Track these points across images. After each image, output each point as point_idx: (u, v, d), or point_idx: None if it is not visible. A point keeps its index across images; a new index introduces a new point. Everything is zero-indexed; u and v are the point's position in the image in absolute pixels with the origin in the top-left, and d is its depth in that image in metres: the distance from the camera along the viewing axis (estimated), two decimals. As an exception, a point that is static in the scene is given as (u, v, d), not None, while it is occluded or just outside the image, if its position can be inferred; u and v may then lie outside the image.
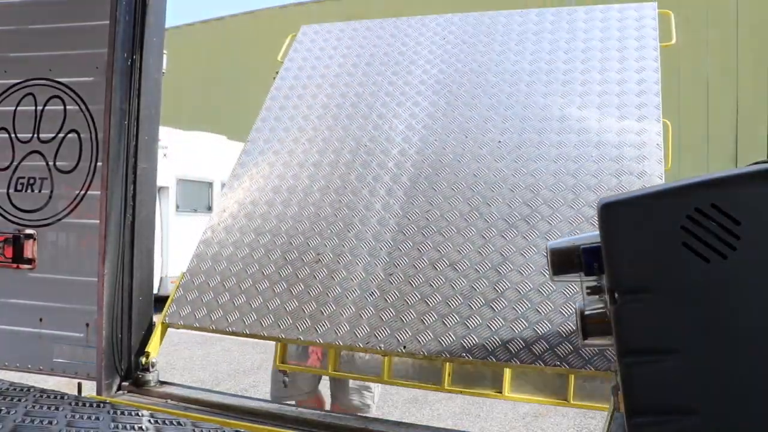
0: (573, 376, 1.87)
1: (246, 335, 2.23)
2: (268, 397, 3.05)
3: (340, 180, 2.55)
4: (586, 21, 2.82)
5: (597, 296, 1.08)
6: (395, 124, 2.67)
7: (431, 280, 2.15)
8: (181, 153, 10.85)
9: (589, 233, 1.05)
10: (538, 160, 2.36)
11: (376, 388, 2.98)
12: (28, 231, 2.43)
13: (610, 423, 1.24)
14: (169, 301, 2.42)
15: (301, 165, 2.67)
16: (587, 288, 1.09)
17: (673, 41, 2.76)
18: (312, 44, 3.17)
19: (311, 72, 3.02)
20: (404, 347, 2.02)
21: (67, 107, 2.41)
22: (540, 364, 1.84)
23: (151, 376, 2.32)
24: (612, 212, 0.96)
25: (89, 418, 1.73)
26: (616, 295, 0.95)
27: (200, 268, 2.47)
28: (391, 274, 2.20)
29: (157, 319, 2.43)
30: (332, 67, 3.00)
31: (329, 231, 2.39)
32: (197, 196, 11.63)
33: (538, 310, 1.96)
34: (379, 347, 2.04)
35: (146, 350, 2.33)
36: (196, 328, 2.35)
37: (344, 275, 2.24)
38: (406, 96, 2.77)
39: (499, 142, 2.47)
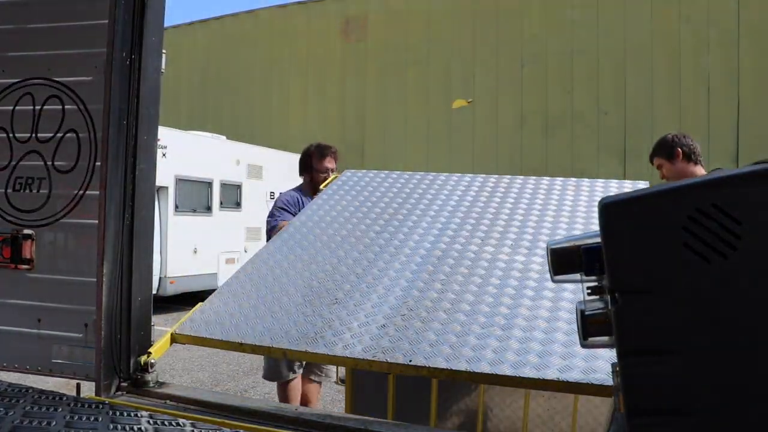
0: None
1: (252, 347, 2.27)
2: (267, 397, 3.09)
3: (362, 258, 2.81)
4: (589, 188, 3.42)
5: (598, 296, 1.07)
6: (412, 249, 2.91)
7: (442, 320, 2.25)
8: (180, 153, 10.84)
9: (589, 233, 1.04)
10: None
11: None
12: (27, 231, 2.43)
13: (610, 423, 1.24)
14: (183, 318, 2.46)
15: (324, 247, 2.93)
16: (588, 288, 1.08)
17: None
18: (350, 182, 3.67)
19: (345, 200, 3.44)
20: (410, 360, 2.05)
21: (66, 107, 2.40)
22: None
23: (150, 377, 2.32)
24: (613, 212, 0.96)
25: (88, 418, 1.72)
26: (617, 295, 0.94)
27: (219, 299, 2.58)
28: (403, 314, 2.31)
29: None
30: (364, 201, 3.43)
31: (349, 285, 2.55)
32: (196, 196, 11.64)
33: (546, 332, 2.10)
34: (385, 360, 2.07)
35: (149, 350, 2.33)
36: (203, 341, 2.38)
37: (359, 314, 2.35)
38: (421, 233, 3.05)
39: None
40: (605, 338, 1.04)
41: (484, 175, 3.67)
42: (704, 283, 0.90)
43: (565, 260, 1.08)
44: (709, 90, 13.83)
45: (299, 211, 3.91)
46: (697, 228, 0.90)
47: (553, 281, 1.14)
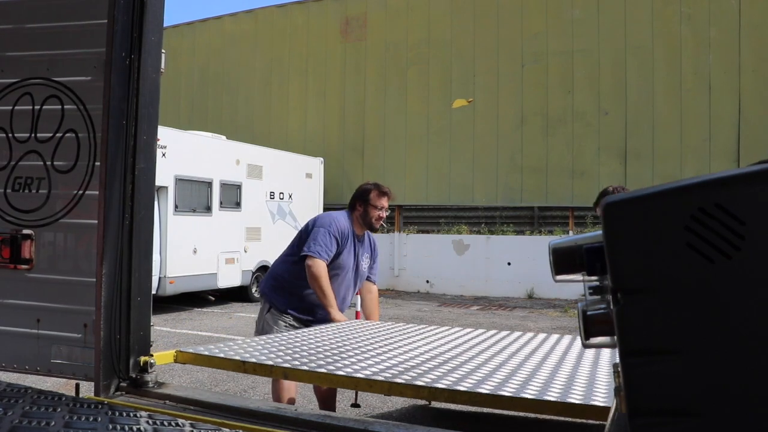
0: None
1: (253, 365, 2.32)
2: (267, 397, 3.11)
3: None
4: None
5: (600, 296, 1.07)
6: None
7: (448, 367, 2.33)
8: (179, 153, 10.83)
9: (592, 233, 1.04)
10: None
11: None
12: (26, 231, 2.42)
13: (611, 424, 1.23)
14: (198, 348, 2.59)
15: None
16: (590, 288, 1.08)
17: None
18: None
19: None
20: (410, 382, 2.09)
21: (65, 107, 2.40)
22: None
23: (149, 377, 2.32)
24: (615, 212, 0.95)
25: (87, 419, 1.72)
26: (619, 295, 0.93)
27: (224, 344, 2.70)
28: (406, 368, 2.37)
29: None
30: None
31: (355, 357, 2.63)
32: (196, 196, 11.62)
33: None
34: (385, 380, 2.12)
35: (152, 353, 2.36)
36: (205, 359, 2.45)
37: (363, 363, 2.43)
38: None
39: None
40: (607, 338, 1.03)
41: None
42: (707, 284, 0.90)
43: (566, 260, 1.08)
44: (710, 89, 13.82)
45: (345, 245, 3.90)
46: (700, 228, 0.89)
47: (555, 281, 1.13)
